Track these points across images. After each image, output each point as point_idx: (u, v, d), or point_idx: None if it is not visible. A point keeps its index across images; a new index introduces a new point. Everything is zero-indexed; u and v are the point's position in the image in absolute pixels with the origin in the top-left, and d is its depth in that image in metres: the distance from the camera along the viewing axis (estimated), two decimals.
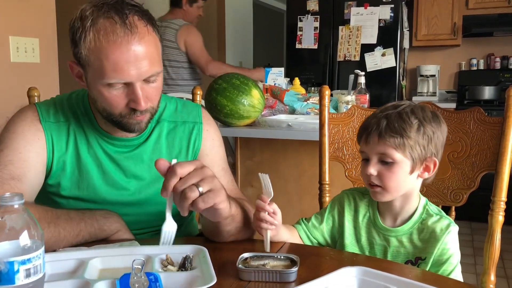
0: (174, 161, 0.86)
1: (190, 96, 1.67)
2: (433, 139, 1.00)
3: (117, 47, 0.94)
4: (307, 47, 3.98)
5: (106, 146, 1.13)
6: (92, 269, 0.85)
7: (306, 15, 3.96)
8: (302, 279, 0.81)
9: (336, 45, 3.88)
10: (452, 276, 0.99)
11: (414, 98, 4.34)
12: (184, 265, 0.87)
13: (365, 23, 3.77)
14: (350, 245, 1.09)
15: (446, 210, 1.28)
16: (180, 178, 0.85)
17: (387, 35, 3.73)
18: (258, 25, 5.75)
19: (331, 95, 2.07)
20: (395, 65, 3.73)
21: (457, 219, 1.36)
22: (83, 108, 1.13)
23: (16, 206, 0.69)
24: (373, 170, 1.00)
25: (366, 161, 1.03)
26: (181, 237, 1.00)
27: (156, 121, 1.17)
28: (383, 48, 3.74)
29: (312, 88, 3.12)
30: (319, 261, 0.95)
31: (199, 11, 3.38)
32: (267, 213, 0.96)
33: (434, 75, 4.43)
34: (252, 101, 2.13)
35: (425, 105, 1.06)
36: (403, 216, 1.06)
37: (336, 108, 2.32)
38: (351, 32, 3.82)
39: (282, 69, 2.84)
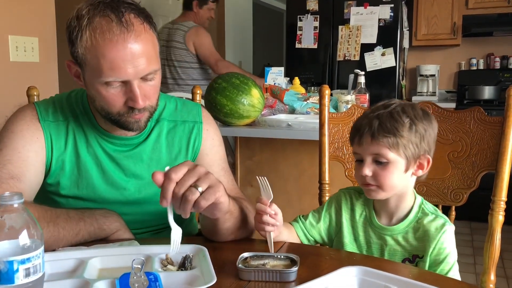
0: (167, 169, 0.85)
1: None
2: (425, 136, 1.01)
3: (114, 45, 0.94)
4: (307, 46, 3.98)
5: (106, 145, 1.13)
6: (92, 269, 0.85)
7: (306, 14, 3.96)
8: (302, 279, 0.81)
9: (336, 44, 3.88)
10: (449, 275, 1.00)
11: (414, 98, 4.34)
12: (184, 265, 0.87)
13: (365, 22, 3.77)
14: (349, 243, 1.10)
15: (446, 209, 1.29)
16: (177, 183, 0.83)
17: (387, 35, 3.73)
18: (257, 24, 5.74)
19: (331, 94, 2.06)
20: (394, 64, 3.73)
21: (457, 219, 1.36)
22: (82, 107, 1.13)
23: (15, 206, 0.68)
24: (368, 171, 1.00)
25: (360, 162, 1.03)
26: (182, 237, 0.99)
27: (156, 120, 1.17)
28: (383, 48, 3.74)
29: (312, 87, 3.12)
30: (319, 261, 0.95)
31: (210, 13, 3.44)
32: (268, 215, 0.96)
33: (433, 75, 4.43)
34: (252, 101, 2.13)
35: (414, 103, 1.07)
36: (398, 214, 1.06)
37: (336, 107, 2.32)
38: (351, 31, 3.82)
39: (282, 69, 2.84)
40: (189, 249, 0.92)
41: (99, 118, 1.10)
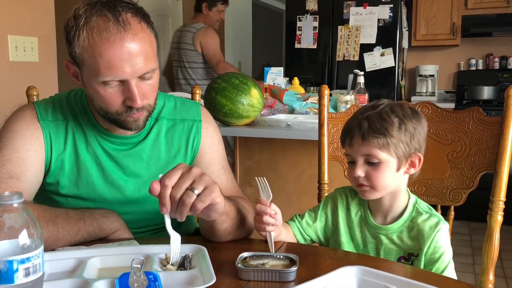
0: (160, 176, 0.85)
1: None
2: (415, 135, 1.01)
3: (111, 45, 0.94)
4: (306, 46, 3.98)
5: (105, 143, 1.13)
6: (91, 268, 0.85)
7: (305, 14, 3.96)
8: (301, 279, 0.81)
9: (335, 44, 3.88)
10: (445, 273, 1.00)
11: (413, 98, 4.34)
12: (183, 265, 0.87)
13: (364, 23, 3.77)
14: (346, 242, 1.10)
15: (445, 209, 1.29)
16: (172, 187, 0.83)
17: (386, 35, 3.73)
18: (257, 24, 5.75)
19: (330, 94, 2.07)
20: (394, 65, 3.73)
21: (456, 219, 1.36)
22: (82, 106, 1.13)
23: (15, 205, 0.68)
24: (360, 172, 1.01)
25: (352, 163, 1.04)
26: (180, 236, 0.99)
27: (155, 119, 1.17)
28: (382, 48, 3.74)
29: (311, 87, 3.12)
30: (319, 261, 0.95)
31: (220, 15, 3.53)
32: (268, 215, 0.97)
33: (433, 75, 4.43)
34: (251, 101, 2.13)
35: (403, 102, 1.07)
36: (393, 213, 1.07)
37: (335, 107, 2.32)
38: (350, 32, 3.82)
39: (281, 69, 2.84)
40: (188, 249, 0.92)
41: (99, 117, 1.10)
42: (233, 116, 2.14)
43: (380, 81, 3.72)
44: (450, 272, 1.01)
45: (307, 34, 3.96)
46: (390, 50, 3.73)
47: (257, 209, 0.97)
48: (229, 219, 0.99)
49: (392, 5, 3.69)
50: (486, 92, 4.03)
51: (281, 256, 0.88)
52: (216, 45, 3.37)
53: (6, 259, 0.66)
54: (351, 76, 2.80)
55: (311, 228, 1.13)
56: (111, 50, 0.94)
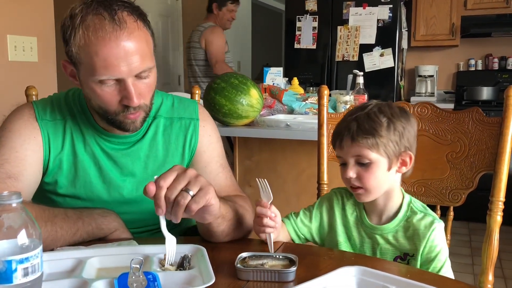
0: (155, 177, 0.85)
1: None
2: (404, 133, 1.02)
3: (106, 43, 0.94)
4: (306, 47, 3.98)
5: (103, 143, 1.13)
6: (90, 269, 0.85)
7: (305, 15, 3.96)
8: (300, 279, 0.81)
9: (335, 45, 3.89)
10: (442, 272, 1.01)
11: (413, 99, 4.34)
12: (182, 265, 0.87)
13: (363, 23, 3.77)
14: (343, 242, 1.10)
15: (445, 210, 1.29)
16: (167, 188, 0.83)
17: (386, 35, 3.73)
18: (256, 24, 5.75)
19: (330, 95, 2.07)
20: (393, 65, 3.73)
21: (455, 219, 1.36)
22: (80, 105, 1.13)
23: (14, 205, 0.68)
24: (351, 173, 1.02)
25: (344, 165, 1.05)
26: (180, 236, 0.99)
27: (153, 117, 1.17)
28: (382, 48, 3.74)
29: (311, 88, 3.12)
30: (318, 261, 0.95)
31: (230, 14, 3.59)
32: (268, 218, 0.97)
33: (432, 76, 4.44)
34: (251, 101, 2.13)
35: (391, 102, 1.08)
36: (387, 213, 1.07)
37: (334, 108, 2.32)
38: (349, 32, 3.82)
39: (281, 69, 2.84)
40: (187, 249, 0.91)
41: (97, 116, 1.10)
42: (232, 116, 2.14)
43: (379, 82, 3.72)
44: (447, 271, 1.02)
45: (306, 34, 3.96)
46: (389, 50, 3.73)
47: (257, 211, 0.98)
48: (225, 221, 0.99)
49: (391, 6, 3.69)
50: (486, 93, 4.03)
51: (281, 256, 0.88)
52: (219, 44, 3.40)
53: (5, 259, 0.66)
54: (350, 77, 2.80)
55: (306, 227, 1.13)
56: (107, 48, 0.94)
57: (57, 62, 2.40)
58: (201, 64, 3.50)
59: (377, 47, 3.75)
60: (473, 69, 4.48)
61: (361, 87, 2.32)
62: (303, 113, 2.38)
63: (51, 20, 2.36)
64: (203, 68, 3.50)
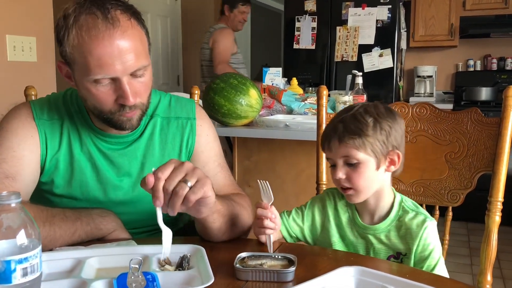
0: (153, 169, 0.85)
1: None
2: (391, 132, 1.03)
3: (100, 42, 0.94)
4: (305, 47, 3.99)
5: (100, 143, 1.12)
6: (89, 269, 0.85)
7: (304, 15, 3.96)
8: (299, 279, 0.81)
9: (334, 45, 3.89)
10: (436, 270, 1.01)
11: (412, 99, 4.34)
12: (181, 265, 0.87)
13: (362, 23, 3.78)
14: (337, 242, 1.11)
15: (443, 210, 1.29)
16: (165, 180, 0.84)
17: (385, 36, 3.74)
18: (255, 25, 5.74)
19: (329, 95, 2.07)
20: (392, 65, 3.73)
21: (454, 220, 1.36)
22: (77, 106, 1.13)
23: (13, 205, 0.68)
24: (341, 174, 1.03)
25: (333, 167, 1.05)
26: (179, 237, 0.99)
27: (150, 116, 1.17)
28: (381, 49, 3.74)
29: (310, 88, 3.12)
30: (317, 261, 0.95)
31: (242, 16, 3.60)
32: (269, 219, 0.98)
33: (431, 76, 4.44)
34: (250, 101, 2.13)
35: (377, 102, 1.09)
36: (379, 213, 1.08)
37: (333, 108, 2.32)
38: (348, 32, 3.82)
39: (280, 69, 2.84)
40: (186, 249, 0.92)
41: (93, 117, 1.10)
42: (231, 116, 2.14)
43: (378, 82, 3.72)
44: (441, 269, 1.02)
45: (305, 35, 3.97)
46: (388, 51, 3.73)
47: (258, 213, 0.98)
48: (220, 217, 0.99)
49: (390, 6, 3.69)
50: (484, 93, 4.04)
51: (279, 256, 0.89)
52: (225, 45, 3.41)
53: (4, 259, 0.66)
54: (349, 77, 2.80)
55: (298, 227, 1.14)
56: (100, 47, 0.94)
57: (56, 62, 2.40)
58: (208, 65, 3.53)
59: (376, 48, 3.75)
60: (472, 69, 4.48)
61: (360, 87, 2.32)
62: (302, 113, 2.38)
63: (50, 20, 2.36)
64: (211, 69, 3.52)
